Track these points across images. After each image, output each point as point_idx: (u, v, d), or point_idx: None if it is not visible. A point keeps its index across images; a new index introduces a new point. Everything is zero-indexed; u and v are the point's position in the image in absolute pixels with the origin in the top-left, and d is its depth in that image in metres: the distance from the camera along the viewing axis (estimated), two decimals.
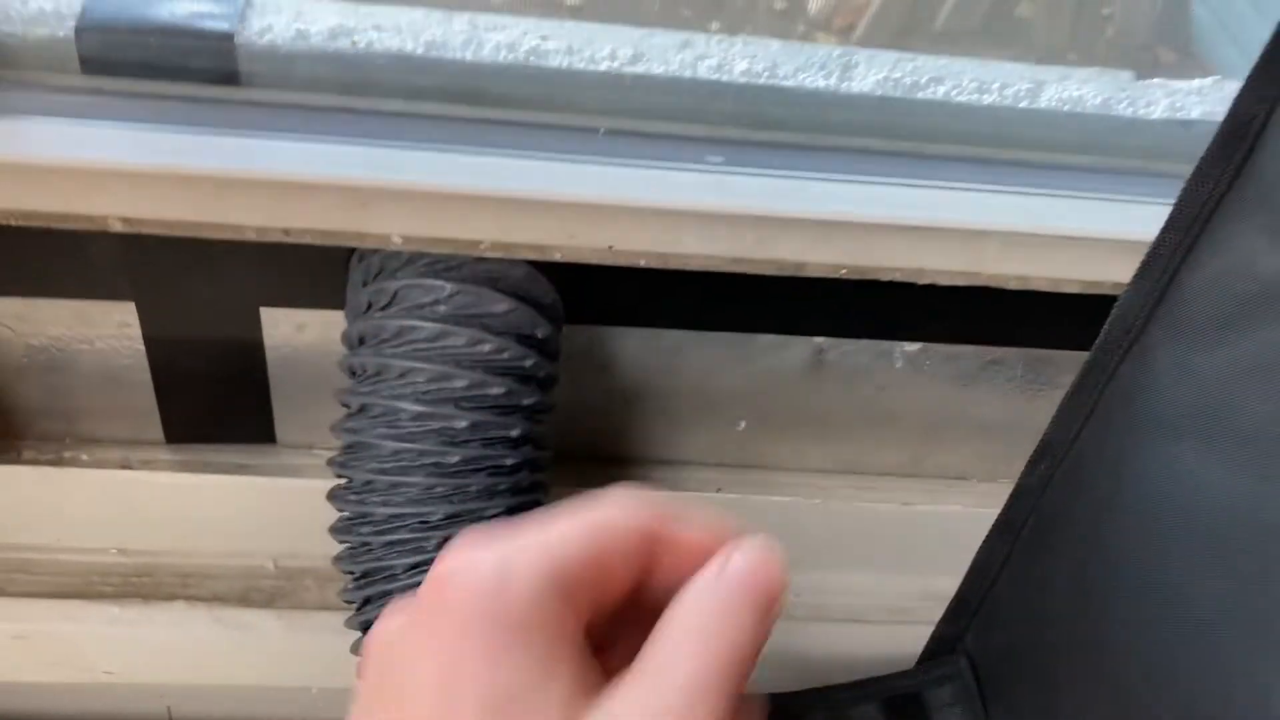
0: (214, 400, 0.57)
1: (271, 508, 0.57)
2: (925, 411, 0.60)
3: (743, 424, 0.61)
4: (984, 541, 0.51)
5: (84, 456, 0.57)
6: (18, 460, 0.56)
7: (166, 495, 0.57)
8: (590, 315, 0.55)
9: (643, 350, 0.57)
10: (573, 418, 0.58)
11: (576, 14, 0.59)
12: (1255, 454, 0.36)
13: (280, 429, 0.59)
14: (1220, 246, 0.38)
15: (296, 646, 0.56)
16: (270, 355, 0.56)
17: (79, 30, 0.44)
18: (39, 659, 0.55)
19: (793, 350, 0.58)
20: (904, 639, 0.57)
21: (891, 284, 0.50)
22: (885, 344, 0.58)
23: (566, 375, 0.54)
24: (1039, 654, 0.49)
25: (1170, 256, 0.40)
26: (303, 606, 0.57)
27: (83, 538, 0.57)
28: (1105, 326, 0.42)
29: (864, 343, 0.57)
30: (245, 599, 0.57)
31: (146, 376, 0.56)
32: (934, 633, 0.55)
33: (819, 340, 0.57)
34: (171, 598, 0.56)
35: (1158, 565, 0.41)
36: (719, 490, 0.60)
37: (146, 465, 0.57)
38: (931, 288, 0.50)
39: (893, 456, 0.62)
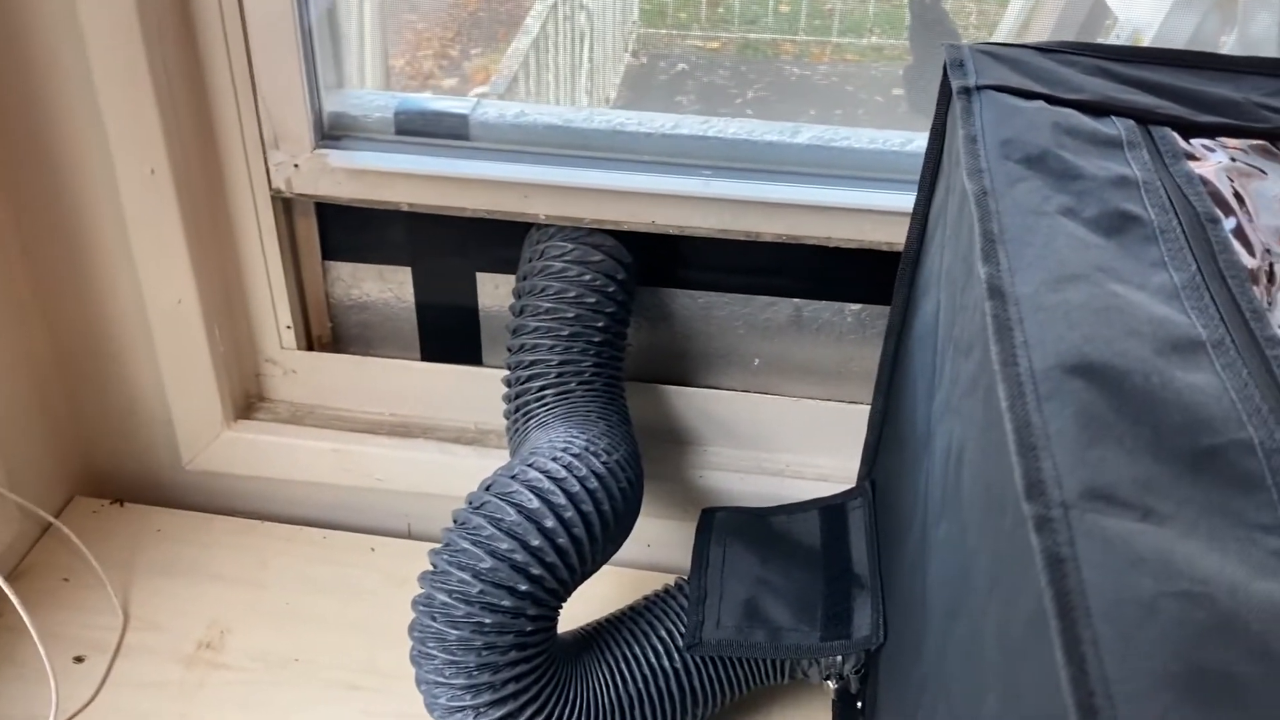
0: (448, 334, 1.00)
1: (477, 392, 0.98)
2: (871, 354, 0.96)
3: (757, 361, 0.98)
4: (871, 401, 0.86)
5: (374, 362, 1.00)
6: (339, 352, 1.00)
7: (418, 383, 0.99)
8: (655, 281, 0.94)
9: (688, 306, 0.96)
10: (645, 354, 0.97)
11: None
12: (932, 286, 0.72)
13: (485, 355, 1.01)
14: (935, 193, 0.74)
15: (481, 466, 0.96)
16: (481, 305, 0.98)
17: (396, 114, 0.90)
18: (340, 466, 0.98)
19: (781, 308, 0.95)
20: None
21: (833, 259, 0.87)
22: (837, 304, 0.94)
23: (640, 322, 0.94)
24: (893, 463, 0.83)
25: (923, 204, 0.76)
26: (488, 446, 0.98)
27: (371, 404, 1.00)
28: (903, 248, 0.79)
29: (824, 303, 0.94)
30: (459, 440, 0.98)
31: (414, 316, 0.99)
32: (858, 473, 0.90)
33: (797, 301, 0.95)
34: (417, 438, 0.98)
35: (913, 367, 0.76)
36: (747, 392, 0.97)
37: (408, 368, 1.00)
38: (858, 261, 0.87)
39: (855, 388, 0.98)
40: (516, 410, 0.88)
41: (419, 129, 0.90)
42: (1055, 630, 0.33)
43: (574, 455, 0.78)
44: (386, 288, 0.98)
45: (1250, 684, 0.32)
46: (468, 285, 0.97)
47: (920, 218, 0.77)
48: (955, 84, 0.67)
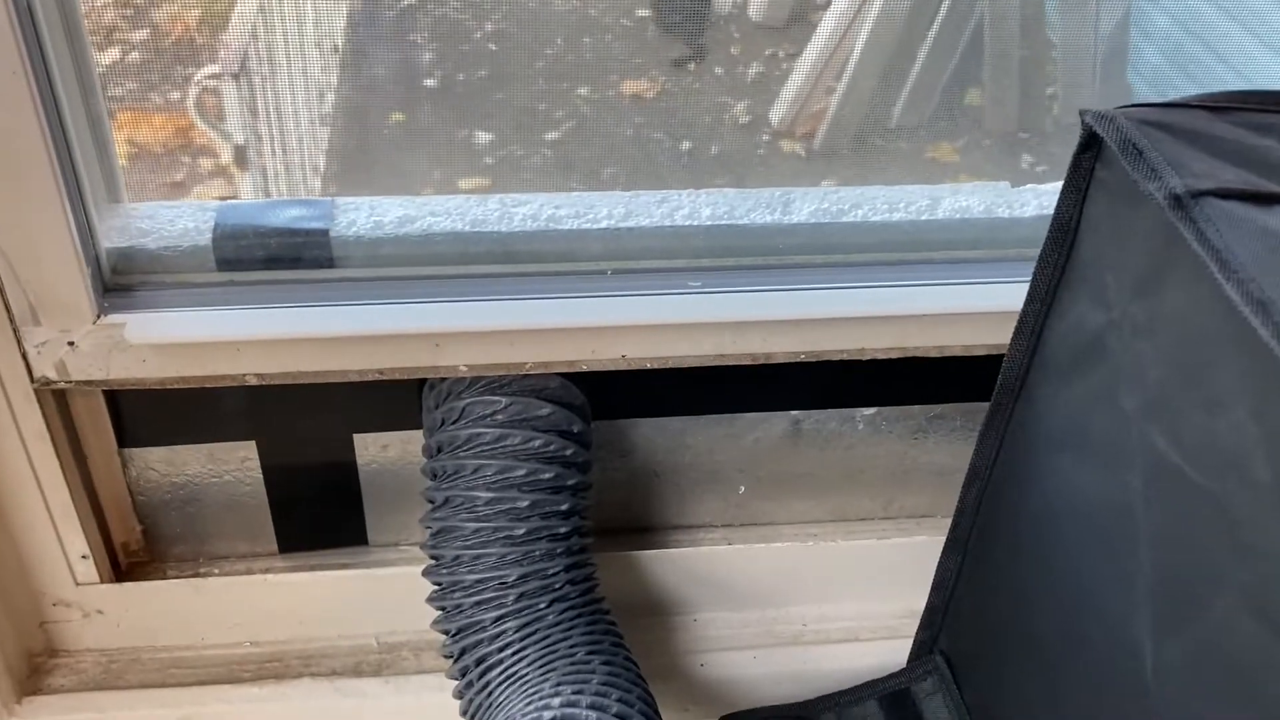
0: (317, 513, 0.71)
1: (370, 595, 0.70)
2: (888, 462, 0.74)
3: (742, 488, 0.75)
4: (940, 558, 0.64)
5: (215, 570, 0.71)
6: (163, 577, 0.70)
7: (284, 594, 0.70)
8: (611, 412, 0.69)
9: (654, 435, 0.71)
10: (605, 496, 0.72)
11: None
12: (1105, 455, 0.50)
13: (371, 531, 0.73)
14: (1064, 310, 0.53)
15: (403, 706, 0.69)
16: (362, 472, 0.70)
17: (215, 239, 0.60)
18: None
19: (774, 423, 0.72)
20: (895, 650, 0.70)
21: (844, 361, 0.65)
22: (847, 410, 0.72)
23: (596, 462, 0.68)
24: (991, 641, 0.63)
25: (1034, 321, 0.54)
26: (404, 673, 0.70)
27: (221, 635, 0.70)
28: (999, 376, 0.57)
29: (830, 411, 0.72)
30: (357, 671, 0.70)
31: (263, 500, 0.70)
32: (915, 639, 0.69)
33: (794, 413, 0.72)
34: (299, 676, 0.70)
35: (1055, 552, 0.55)
36: (729, 544, 0.74)
37: (265, 571, 0.70)
38: (876, 361, 0.65)
39: (866, 503, 0.76)
40: (463, 652, 0.61)
41: (255, 257, 0.60)
42: None
43: None
44: (222, 469, 0.68)
45: None
46: (341, 449, 0.69)
47: (1029, 335, 0.55)
48: (1154, 188, 0.44)
